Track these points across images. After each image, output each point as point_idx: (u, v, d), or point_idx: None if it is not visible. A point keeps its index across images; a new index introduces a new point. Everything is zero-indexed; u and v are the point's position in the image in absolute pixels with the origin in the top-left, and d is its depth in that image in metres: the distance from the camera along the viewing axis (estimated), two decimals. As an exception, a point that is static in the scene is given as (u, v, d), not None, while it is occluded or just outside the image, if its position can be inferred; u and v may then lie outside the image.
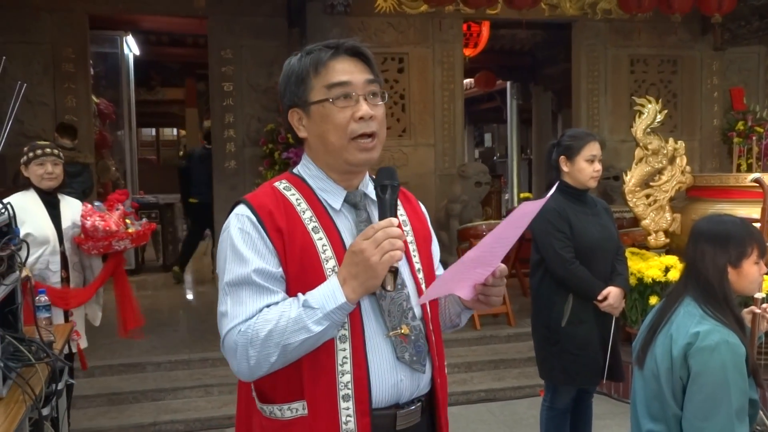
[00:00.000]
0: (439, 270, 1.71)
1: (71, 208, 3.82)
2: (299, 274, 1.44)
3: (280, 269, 1.45)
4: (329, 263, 1.45)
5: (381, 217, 1.40)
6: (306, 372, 1.44)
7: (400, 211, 1.61)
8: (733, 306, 2.08)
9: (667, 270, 4.64)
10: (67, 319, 3.71)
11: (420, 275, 1.57)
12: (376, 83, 1.51)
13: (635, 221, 5.57)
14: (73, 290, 3.77)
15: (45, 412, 2.37)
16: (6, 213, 2.43)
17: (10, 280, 2.40)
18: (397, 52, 7.60)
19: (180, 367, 5.15)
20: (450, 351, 5.48)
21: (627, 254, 3.72)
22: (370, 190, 1.57)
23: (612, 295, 3.19)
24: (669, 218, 5.08)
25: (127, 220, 3.89)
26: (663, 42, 8.33)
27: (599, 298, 3.19)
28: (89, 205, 3.85)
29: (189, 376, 5.05)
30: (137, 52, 9.69)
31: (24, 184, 3.72)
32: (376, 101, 1.50)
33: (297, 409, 1.47)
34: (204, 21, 7.57)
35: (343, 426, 1.43)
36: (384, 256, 1.33)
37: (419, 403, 1.53)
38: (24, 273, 2.69)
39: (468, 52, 9.41)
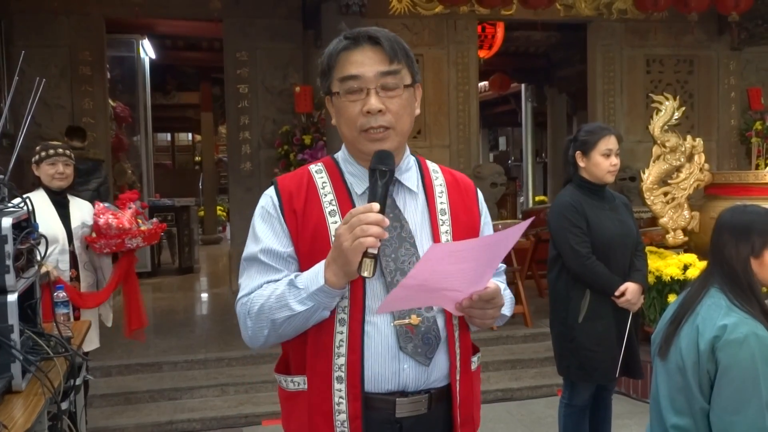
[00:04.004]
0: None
1: (80, 209, 3.84)
2: (309, 254, 1.49)
3: (290, 249, 1.51)
4: None
5: (369, 201, 1.38)
6: (309, 348, 1.50)
7: (443, 199, 1.59)
8: (759, 296, 2.05)
9: (685, 268, 4.59)
10: (77, 318, 3.73)
11: None
12: (393, 74, 1.47)
13: (653, 221, 5.52)
14: (89, 293, 3.80)
15: (63, 406, 2.38)
16: (25, 207, 2.45)
17: (29, 274, 2.41)
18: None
19: (196, 366, 5.17)
20: (466, 351, 5.47)
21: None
22: (405, 176, 1.58)
23: (630, 290, 3.16)
24: (687, 216, 5.03)
25: (139, 219, 3.91)
26: (679, 42, 8.27)
27: (617, 293, 3.15)
28: (101, 204, 3.88)
29: (205, 375, 5.06)
30: (153, 56, 9.77)
31: (34, 183, 3.75)
32: (391, 93, 1.48)
33: (299, 383, 1.53)
34: (219, 24, 7.61)
35: (336, 407, 1.47)
36: (354, 242, 1.31)
37: (427, 395, 1.50)
38: (43, 269, 2.70)
39: (482, 54, 9.39)
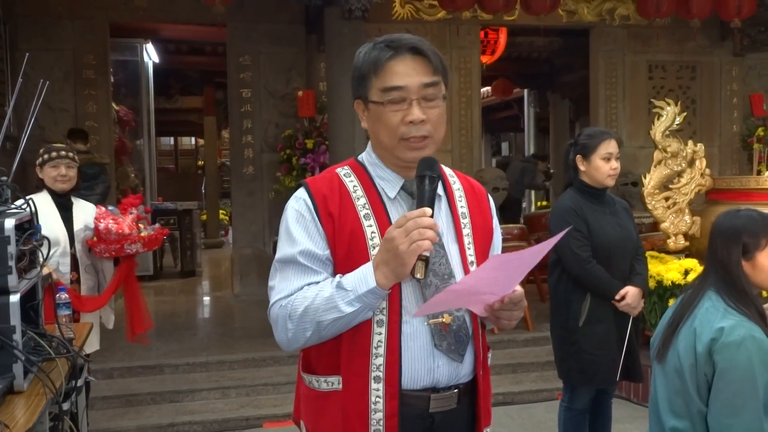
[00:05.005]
0: None
1: (84, 211, 3.85)
2: (346, 257, 1.52)
3: (327, 251, 1.53)
4: (375, 250, 1.49)
5: (418, 207, 1.43)
6: (344, 349, 1.52)
7: (462, 203, 1.64)
8: (754, 298, 2.06)
9: (686, 273, 4.60)
10: (76, 321, 3.73)
11: (472, 268, 1.58)
12: (433, 86, 1.51)
13: (654, 226, 5.53)
14: (88, 297, 3.80)
15: (65, 407, 2.39)
16: (28, 209, 2.46)
17: (32, 275, 2.43)
18: (414, 58, 7.61)
19: (198, 369, 5.18)
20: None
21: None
22: None
23: (630, 294, 3.16)
24: (688, 221, 5.03)
25: (141, 225, 3.91)
26: (682, 48, 8.29)
27: (617, 297, 3.16)
28: (103, 208, 3.88)
29: (206, 378, 5.08)
30: (156, 60, 9.80)
31: (38, 186, 3.77)
32: (431, 104, 1.51)
33: (333, 383, 1.55)
34: (222, 29, 7.64)
35: (372, 406, 1.50)
36: (412, 245, 1.36)
37: (456, 390, 1.56)
38: (45, 270, 2.71)
39: (485, 59, 9.41)
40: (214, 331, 6.43)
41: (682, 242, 5.08)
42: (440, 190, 1.62)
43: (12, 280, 2.01)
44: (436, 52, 1.53)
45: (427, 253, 1.38)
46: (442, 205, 1.61)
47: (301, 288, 1.51)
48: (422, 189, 1.44)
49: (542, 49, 11.09)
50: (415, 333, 1.52)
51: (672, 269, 4.63)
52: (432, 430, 1.56)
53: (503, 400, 4.92)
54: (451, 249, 1.58)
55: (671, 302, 4.48)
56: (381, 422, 1.50)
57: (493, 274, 1.42)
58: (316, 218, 1.54)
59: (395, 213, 1.56)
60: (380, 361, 1.50)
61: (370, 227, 1.53)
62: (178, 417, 4.58)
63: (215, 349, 5.54)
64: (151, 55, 9.49)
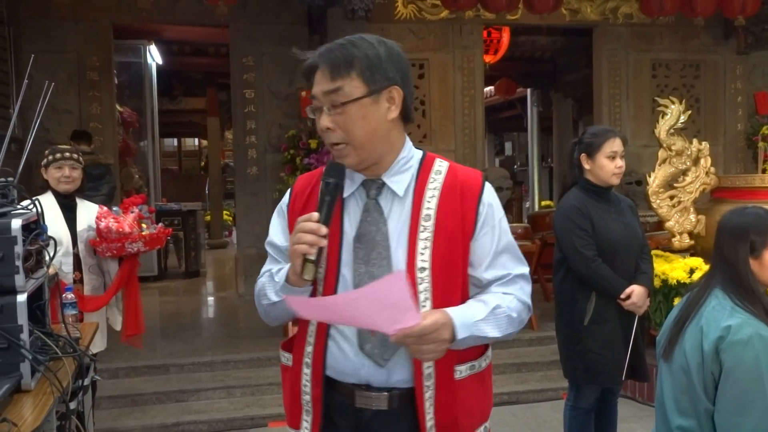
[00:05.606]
0: (481, 269, 1.60)
1: (88, 212, 3.86)
2: None
3: (286, 244, 1.64)
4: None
5: (316, 209, 1.49)
6: (297, 331, 1.68)
7: (431, 204, 1.56)
8: (761, 296, 2.05)
9: (691, 272, 4.59)
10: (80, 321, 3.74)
11: (423, 274, 1.53)
12: (333, 93, 1.50)
13: (659, 225, 5.52)
14: (90, 296, 3.81)
15: (72, 405, 2.40)
16: (35, 209, 2.47)
17: (38, 275, 2.43)
18: (418, 58, 7.61)
19: (203, 369, 5.19)
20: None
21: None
22: (395, 179, 1.59)
23: (635, 293, 3.16)
24: (693, 220, 5.02)
25: (143, 224, 3.92)
26: (685, 46, 8.26)
27: (622, 296, 3.15)
28: (104, 208, 3.90)
29: (211, 377, 5.09)
30: (160, 61, 9.82)
31: (42, 187, 3.78)
32: (337, 110, 1.50)
33: (288, 359, 1.72)
34: (225, 30, 7.65)
35: (303, 388, 1.63)
36: (292, 247, 1.45)
37: (387, 393, 1.56)
38: (51, 271, 2.72)
39: (488, 59, 9.41)
40: (218, 330, 6.44)
41: (687, 241, 5.08)
42: (407, 190, 1.58)
43: (19, 279, 2.02)
44: (339, 55, 1.51)
45: (311, 256, 1.43)
46: (404, 206, 1.57)
47: (264, 273, 1.69)
48: (321, 193, 1.51)
49: (545, 49, 11.08)
50: (344, 331, 1.56)
51: (677, 268, 4.62)
52: (367, 426, 1.57)
53: (508, 399, 4.93)
54: (398, 252, 1.54)
55: (676, 301, 4.48)
56: (309, 404, 1.61)
57: (346, 313, 1.38)
58: (285, 213, 1.69)
59: (349, 210, 1.59)
60: (310, 349, 1.60)
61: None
62: (184, 416, 4.59)
63: (220, 348, 5.55)
64: (154, 56, 9.51)
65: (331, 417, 1.61)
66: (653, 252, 4.77)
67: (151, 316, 6.54)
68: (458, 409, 1.59)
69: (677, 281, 4.57)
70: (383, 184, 1.58)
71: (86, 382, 2.61)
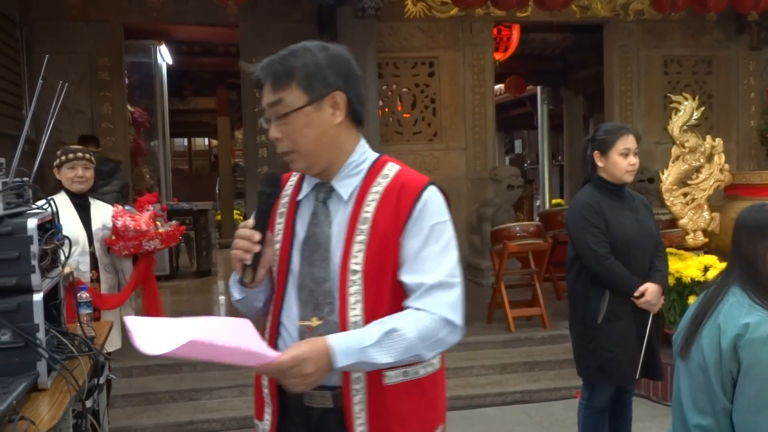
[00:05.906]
0: (402, 271, 1.56)
1: (101, 211, 3.89)
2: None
3: None
4: (276, 246, 1.63)
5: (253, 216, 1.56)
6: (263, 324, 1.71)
7: (369, 207, 1.56)
8: (780, 294, 2.03)
9: (706, 270, 4.55)
10: (97, 319, 3.77)
11: (355, 276, 1.54)
12: (275, 105, 1.54)
13: (672, 222, 5.48)
14: (109, 294, 3.84)
15: (88, 404, 2.41)
16: (50, 209, 2.48)
17: (54, 274, 2.45)
18: (428, 56, 7.61)
19: (215, 367, 5.19)
20: (484, 353, 5.48)
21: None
22: (342, 183, 1.61)
23: (649, 291, 3.13)
24: (707, 217, 4.99)
25: (158, 222, 3.95)
26: (697, 42, 8.22)
27: (636, 294, 3.13)
28: (120, 207, 3.93)
29: (224, 376, 5.09)
30: (170, 61, 9.85)
31: (55, 187, 3.81)
32: (281, 121, 1.55)
33: None
34: (235, 30, 7.67)
35: (262, 380, 1.68)
36: (231, 252, 1.54)
37: (331, 392, 1.58)
38: (66, 270, 2.73)
39: (498, 56, 9.39)
40: (230, 330, 6.45)
41: (701, 238, 5.05)
42: (351, 194, 1.59)
43: (35, 279, 2.03)
44: (276, 67, 1.54)
45: (247, 261, 1.51)
46: (347, 210, 1.59)
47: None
48: (258, 201, 1.57)
49: (555, 46, 11.03)
50: (289, 332, 1.61)
51: (691, 266, 4.59)
52: (321, 422, 1.60)
53: (521, 398, 4.92)
54: (336, 255, 1.57)
55: (691, 299, 4.46)
56: (269, 397, 1.66)
57: (197, 353, 1.32)
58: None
59: (302, 213, 1.64)
60: (265, 344, 1.55)
61: (279, 225, 1.65)
62: (197, 415, 4.61)
63: (232, 348, 5.56)
64: (164, 56, 9.54)
65: (288, 412, 1.64)
66: (666, 250, 4.74)
67: (164, 315, 6.56)
68: (391, 416, 1.57)
69: (691, 279, 4.53)
70: (332, 188, 1.61)
71: (101, 380, 2.62)
